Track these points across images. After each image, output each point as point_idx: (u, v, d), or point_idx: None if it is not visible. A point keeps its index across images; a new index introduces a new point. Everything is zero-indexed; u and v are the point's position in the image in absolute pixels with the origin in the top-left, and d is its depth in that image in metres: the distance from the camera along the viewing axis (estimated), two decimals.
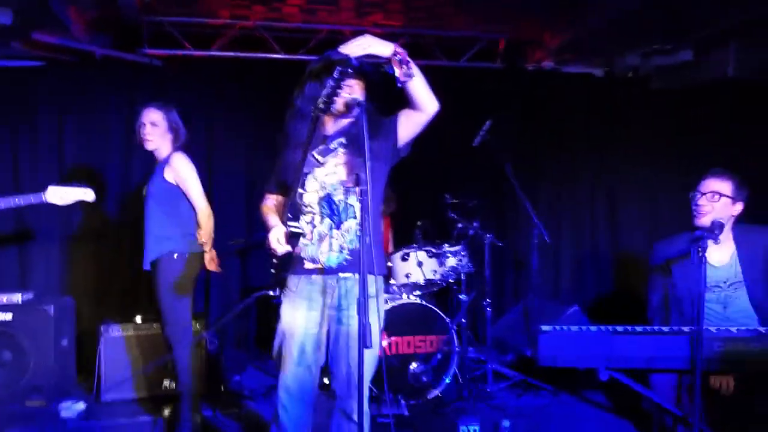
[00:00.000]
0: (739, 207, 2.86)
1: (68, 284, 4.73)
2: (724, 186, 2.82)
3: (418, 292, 4.15)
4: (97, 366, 3.78)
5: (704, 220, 2.79)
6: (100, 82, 4.87)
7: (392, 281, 4.08)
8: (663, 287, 3.01)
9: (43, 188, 3.23)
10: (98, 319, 4.01)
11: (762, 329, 2.57)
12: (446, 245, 4.11)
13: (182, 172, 3.25)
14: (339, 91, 2.08)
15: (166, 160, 3.27)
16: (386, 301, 3.81)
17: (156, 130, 3.28)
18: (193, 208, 3.28)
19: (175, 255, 3.21)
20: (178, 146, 3.33)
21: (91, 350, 3.89)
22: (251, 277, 5.08)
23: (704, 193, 2.83)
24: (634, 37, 4.93)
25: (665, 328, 2.61)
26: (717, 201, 2.80)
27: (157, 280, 3.20)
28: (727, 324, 2.72)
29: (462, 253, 4.12)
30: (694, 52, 4.96)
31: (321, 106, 2.12)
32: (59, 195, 3.23)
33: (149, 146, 3.31)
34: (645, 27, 4.62)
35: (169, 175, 3.24)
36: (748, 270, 2.83)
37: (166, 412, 3.58)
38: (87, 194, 3.29)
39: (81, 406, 3.57)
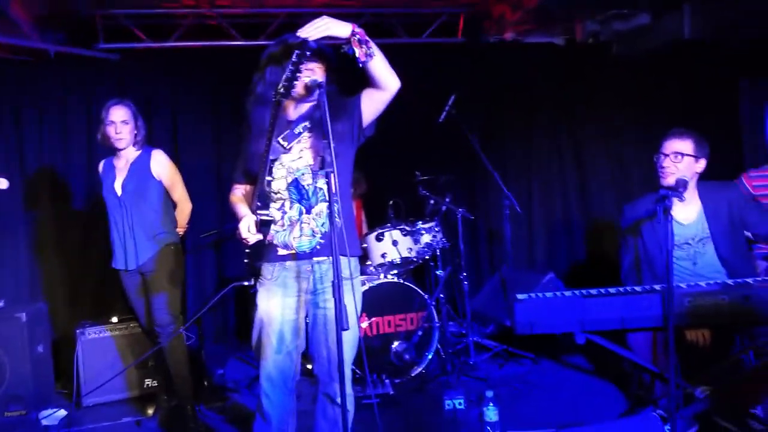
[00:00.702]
0: (702, 164, 2.91)
1: (39, 289, 4.63)
2: (685, 145, 2.87)
3: (395, 271, 4.17)
4: (75, 370, 3.73)
5: (670, 180, 2.83)
6: (57, 80, 4.73)
7: (368, 262, 4.08)
8: (634, 248, 3.07)
9: None
10: (73, 323, 3.94)
11: (730, 281, 2.64)
12: (420, 222, 4.12)
13: (170, 167, 3.39)
14: (298, 75, 2.05)
15: (146, 156, 3.32)
16: (363, 282, 3.81)
17: (126, 128, 3.27)
18: (172, 201, 3.43)
19: (172, 247, 3.34)
20: (140, 140, 3.34)
21: (68, 355, 3.83)
22: (226, 269, 5.05)
23: (667, 155, 2.88)
24: (591, 3, 4.96)
25: (637, 288, 2.66)
26: (680, 161, 2.85)
27: (156, 273, 3.27)
28: (698, 279, 2.79)
29: (436, 229, 4.14)
30: (652, 15, 5.01)
31: (281, 90, 2.09)
32: None
33: (121, 144, 3.29)
34: None
35: (155, 170, 3.32)
36: (714, 225, 2.89)
37: (150, 411, 3.56)
38: (1, 183, 3.29)
39: (62, 413, 3.53)
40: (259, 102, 2.26)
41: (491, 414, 2.78)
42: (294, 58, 2.01)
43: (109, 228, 3.36)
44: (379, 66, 2.12)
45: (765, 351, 2.69)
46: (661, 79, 5.73)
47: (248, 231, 2.14)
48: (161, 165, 3.35)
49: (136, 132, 3.31)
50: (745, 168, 5.95)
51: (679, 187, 2.62)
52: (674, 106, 5.64)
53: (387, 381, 3.74)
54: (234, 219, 2.29)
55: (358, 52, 2.05)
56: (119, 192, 3.29)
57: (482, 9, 5.08)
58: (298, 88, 2.18)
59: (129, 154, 3.34)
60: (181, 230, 3.54)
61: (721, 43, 5.38)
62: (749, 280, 2.69)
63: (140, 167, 3.31)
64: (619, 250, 3.21)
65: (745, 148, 6.06)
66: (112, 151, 3.36)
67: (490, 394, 2.81)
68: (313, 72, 2.20)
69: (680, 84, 5.74)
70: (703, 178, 2.97)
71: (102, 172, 3.42)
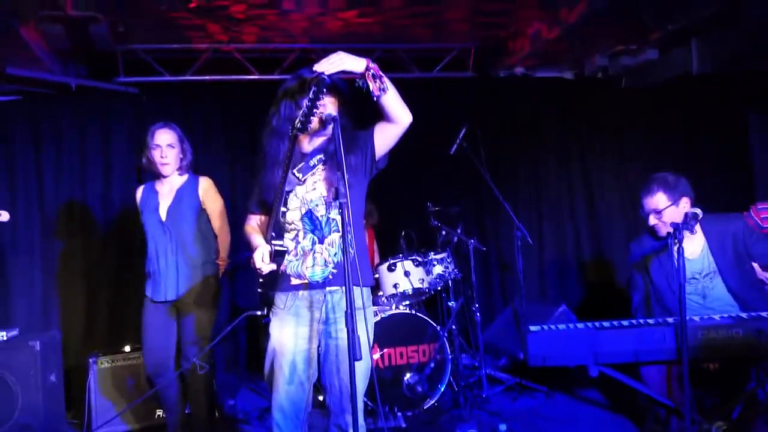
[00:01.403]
0: (685, 202, 2.89)
1: (52, 318, 4.67)
2: (659, 199, 2.88)
3: (406, 302, 4.16)
4: (86, 400, 3.73)
5: (664, 232, 2.84)
6: (77, 112, 4.86)
7: (380, 292, 4.09)
8: (643, 284, 3.06)
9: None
10: (86, 352, 3.96)
11: (744, 315, 2.62)
12: (432, 253, 4.13)
13: (216, 195, 3.31)
14: (315, 110, 2.10)
15: (194, 182, 3.23)
16: (375, 313, 3.81)
17: (173, 152, 3.16)
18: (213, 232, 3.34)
19: (212, 279, 3.23)
20: (185, 165, 3.25)
21: (81, 384, 3.84)
22: (238, 299, 5.06)
23: (650, 211, 2.89)
24: (599, 40, 5.05)
25: (650, 320, 2.65)
26: (662, 215, 2.86)
27: (192, 306, 3.15)
28: (709, 313, 2.77)
29: (448, 260, 4.14)
30: (660, 51, 5.08)
31: (298, 125, 2.15)
32: None
33: (167, 171, 3.17)
34: (608, 30, 4.74)
35: (202, 197, 3.24)
36: (719, 259, 2.88)
37: None
38: (2, 215, 3.24)
39: None
40: (275, 135, 2.31)
41: None
42: (311, 94, 2.06)
43: (147, 256, 3.22)
44: (392, 100, 2.17)
45: None
46: (670, 112, 5.80)
47: (262, 261, 2.17)
48: (208, 193, 3.25)
49: (182, 156, 3.20)
50: (755, 198, 5.99)
51: (690, 220, 2.61)
52: (683, 139, 5.69)
53: (399, 413, 3.71)
54: (247, 248, 2.33)
55: (372, 86, 2.10)
56: (164, 217, 3.16)
57: (493, 44, 5.17)
58: (313, 122, 2.22)
59: (174, 179, 3.22)
60: (222, 263, 3.40)
61: (730, 77, 5.44)
62: (763, 313, 2.68)
63: (187, 193, 3.20)
64: (628, 288, 3.20)
65: (756, 182, 6.06)
66: (154, 177, 3.27)
67: (503, 428, 2.79)
68: (325, 106, 2.24)
69: (689, 117, 5.81)
70: (711, 210, 2.97)
71: (142, 197, 3.28)
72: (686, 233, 2.43)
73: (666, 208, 2.85)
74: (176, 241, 3.14)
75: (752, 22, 4.38)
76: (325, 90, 2.07)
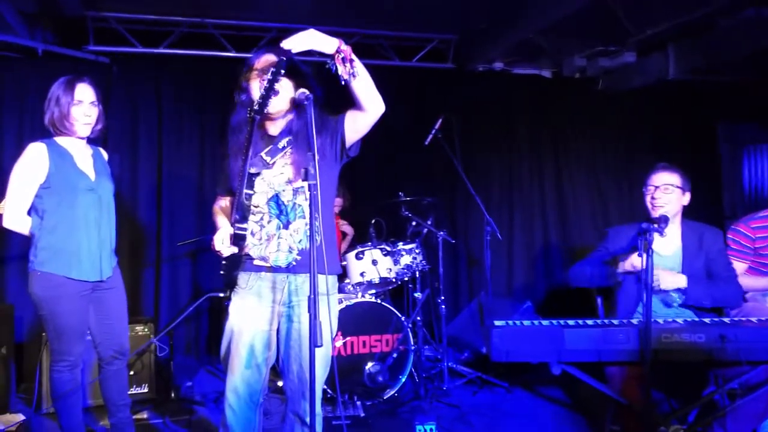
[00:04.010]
0: (687, 197, 2.96)
1: (10, 290, 4.50)
2: (674, 178, 2.92)
3: (372, 291, 4.13)
4: (38, 376, 3.60)
5: (662, 212, 2.86)
6: (43, 77, 4.64)
7: (347, 280, 4.04)
8: (603, 262, 3.06)
9: None
10: (40, 328, 3.83)
11: (707, 320, 2.65)
12: (401, 243, 4.10)
13: None
14: (272, 93, 2.04)
15: (101, 154, 2.88)
16: (340, 301, 3.77)
17: (95, 112, 2.72)
18: None
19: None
20: (97, 131, 2.79)
21: (33, 360, 3.71)
22: (202, 281, 4.96)
23: (657, 187, 2.91)
24: (578, 40, 5.07)
25: (615, 321, 2.67)
26: (671, 193, 2.88)
27: (118, 290, 2.87)
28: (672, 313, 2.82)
29: (416, 251, 4.12)
30: (637, 54, 5.13)
31: (256, 107, 2.08)
32: None
33: (84, 132, 2.70)
34: (588, 30, 4.76)
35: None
36: (687, 266, 2.90)
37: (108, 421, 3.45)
38: None
39: (19, 417, 3.40)
40: (239, 117, 2.26)
41: None
42: (269, 75, 2.00)
43: (66, 228, 2.64)
44: (363, 87, 2.09)
45: (737, 393, 2.68)
46: (643, 116, 5.89)
47: (222, 243, 2.12)
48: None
49: (100, 120, 2.75)
50: (723, 208, 6.12)
51: (662, 222, 2.64)
52: (655, 144, 5.79)
53: (358, 403, 3.68)
54: (215, 230, 2.26)
55: (341, 69, 2.02)
56: (93, 178, 2.73)
57: (473, 38, 5.14)
58: (282, 102, 2.18)
59: (81, 145, 2.76)
60: None
61: (703, 86, 5.53)
62: (726, 319, 2.72)
63: (104, 164, 2.84)
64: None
65: (724, 191, 6.20)
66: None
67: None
68: (282, 88, 2.15)
69: (662, 123, 5.91)
70: (684, 216, 3.01)
71: (50, 157, 2.63)
72: (656, 235, 2.43)
73: (676, 188, 2.89)
74: (104, 218, 2.76)
75: (725, 33, 4.45)
76: (282, 72, 1.99)
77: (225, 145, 2.32)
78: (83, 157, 2.76)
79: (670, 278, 2.82)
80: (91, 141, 2.83)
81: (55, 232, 2.63)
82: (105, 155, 2.92)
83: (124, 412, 2.94)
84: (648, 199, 2.94)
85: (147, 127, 4.89)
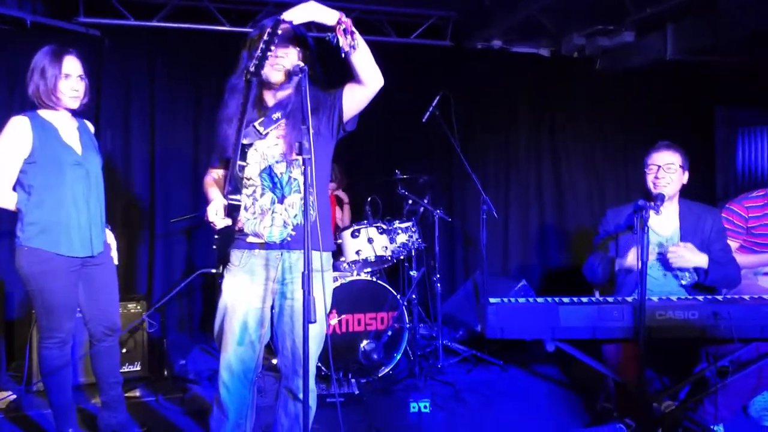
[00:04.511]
0: (686, 176, 2.96)
1: None
2: (676, 157, 2.92)
3: (368, 269, 4.11)
4: (27, 353, 3.58)
5: (665, 190, 2.85)
6: (33, 49, 4.56)
7: (342, 258, 4.03)
8: (605, 250, 3.06)
9: None
10: (30, 304, 3.80)
11: (700, 298, 2.65)
12: (397, 221, 4.08)
13: None
14: (269, 53, 1.98)
15: (87, 126, 2.81)
16: (336, 279, 3.76)
17: (83, 85, 2.66)
18: None
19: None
20: (84, 104, 2.73)
21: (23, 337, 3.69)
22: (196, 258, 4.93)
23: (660, 166, 2.89)
24: (578, 19, 5.01)
25: (609, 298, 2.66)
26: (673, 172, 2.88)
27: (110, 265, 2.85)
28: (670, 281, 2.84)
29: (412, 230, 4.10)
30: (636, 34, 5.08)
31: (252, 69, 2.03)
32: None
33: (73, 105, 2.64)
34: (588, 8, 4.69)
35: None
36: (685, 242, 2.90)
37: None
38: None
39: (9, 395, 3.39)
40: (234, 86, 2.22)
41: None
42: (266, 36, 1.95)
43: (54, 204, 2.60)
44: (363, 60, 2.06)
45: (728, 370, 2.69)
46: (641, 96, 5.85)
47: (215, 215, 2.08)
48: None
49: (87, 93, 2.69)
50: (716, 187, 6.12)
51: (657, 200, 2.63)
52: (651, 124, 5.75)
53: (353, 380, 3.69)
54: (207, 203, 2.23)
55: (342, 41, 1.99)
56: (80, 152, 2.68)
57: (472, 14, 5.07)
58: (278, 73, 2.14)
59: (66, 118, 2.69)
60: None
61: (702, 67, 5.49)
62: (719, 297, 2.71)
63: (91, 137, 2.77)
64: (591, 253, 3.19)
65: (717, 172, 6.19)
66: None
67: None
68: (287, 56, 2.14)
69: (659, 103, 5.87)
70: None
71: (34, 131, 2.57)
72: (652, 213, 2.42)
73: (679, 167, 2.90)
74: (95, 195, 2.71)
75: (726, 12, 4.39)
76: (279, 32, 1.95)
77: (222, 110, 2.26)
78: (69, 130, 2.69)
79: (690, 255, 2.80)
80: (77, 114, 2.76)
81: (43, 207, 2.58)
82: (91, 128, 2.85)
83: (116, 390, 2.92)
84: (650, 178, 2.93)
85: (140, 103, 4.83)
